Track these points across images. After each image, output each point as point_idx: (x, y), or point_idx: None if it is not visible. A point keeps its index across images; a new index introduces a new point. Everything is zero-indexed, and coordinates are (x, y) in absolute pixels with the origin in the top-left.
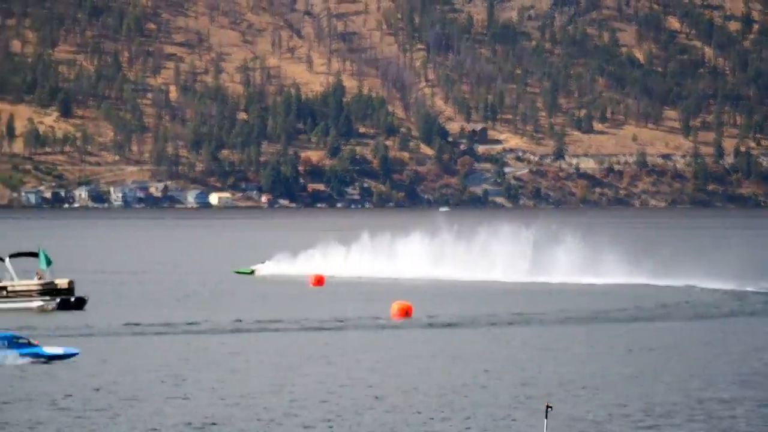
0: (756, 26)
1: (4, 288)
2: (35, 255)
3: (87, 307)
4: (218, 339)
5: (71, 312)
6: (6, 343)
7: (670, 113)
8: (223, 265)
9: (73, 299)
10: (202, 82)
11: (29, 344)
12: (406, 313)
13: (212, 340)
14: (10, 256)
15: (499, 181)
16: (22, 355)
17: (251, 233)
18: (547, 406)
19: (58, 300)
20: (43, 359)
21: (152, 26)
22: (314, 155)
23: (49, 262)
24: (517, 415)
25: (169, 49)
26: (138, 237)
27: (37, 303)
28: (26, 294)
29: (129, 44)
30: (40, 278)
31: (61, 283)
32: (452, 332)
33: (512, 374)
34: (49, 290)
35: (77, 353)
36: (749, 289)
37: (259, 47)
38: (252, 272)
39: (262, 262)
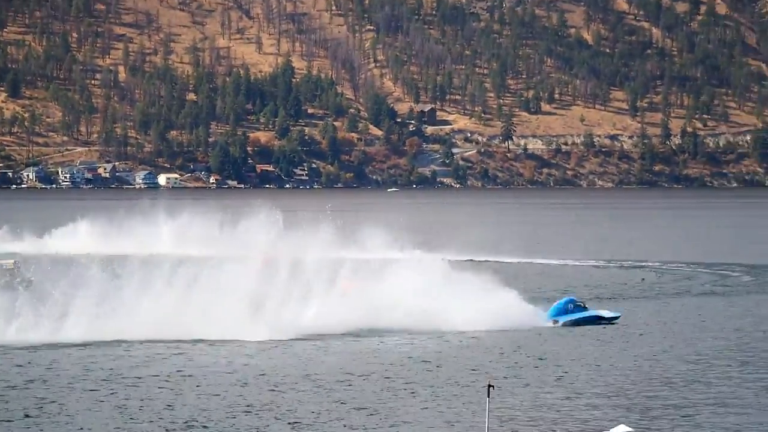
0: (703, 8)
1: None
2: None
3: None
4: None
5: None
6: (571, 306)
7: (618, 94)
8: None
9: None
10: (151, 62)
11: (584, 308)
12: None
13: None
14: None
15: (447, 162)
16: (590, 318)
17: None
18: (489, 385)
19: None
20: (605, 321)
21: (101, 7)
22: (263, 136)
23: None
24: None
25: (118, 30)
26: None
27: None
28: None
29: (78, 25)
30: None
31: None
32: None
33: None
34: None
35: (620, 315)
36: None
37: (209, 28)
38: None
39: None
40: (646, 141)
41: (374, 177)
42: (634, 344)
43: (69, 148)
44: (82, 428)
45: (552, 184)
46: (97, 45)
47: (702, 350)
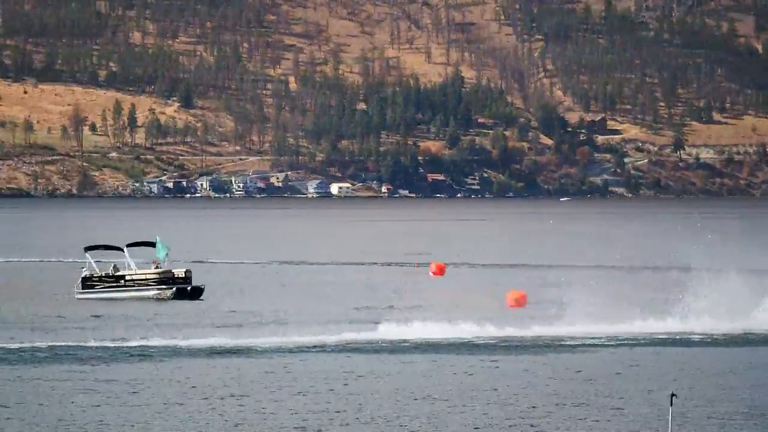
0: None
1: (122, 277)
2: (152, 245)
3: (204, 296)
4: None
5: (188, 301)
6: None
7: None
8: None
9: (189, 288)
10: (321, 72)
11: None
12: (517, 301)
13: None
14: (128, 246)
15: (618, 171)
16: None
17: (374, 225)
18: (672, 395)
19: (174, 289)
20: None
21: (271, 17)
22: (433, 145)
23: (166, 252)
24: None
25: (288, 40)
26: (260, 228)
27: (153, 292)
28: (143, 283)
29: (248, 35)
30: (156, 267)
31: (179, 272)
32: None
33: None
34: (166, 279)
35: None
36: None
37: (378, 38)
38: None
39: None
40: None
41: (545, 186)
42: None
43: (241, 157)
44: None
45: (725, 193)
46: (268, 55)
47: None
